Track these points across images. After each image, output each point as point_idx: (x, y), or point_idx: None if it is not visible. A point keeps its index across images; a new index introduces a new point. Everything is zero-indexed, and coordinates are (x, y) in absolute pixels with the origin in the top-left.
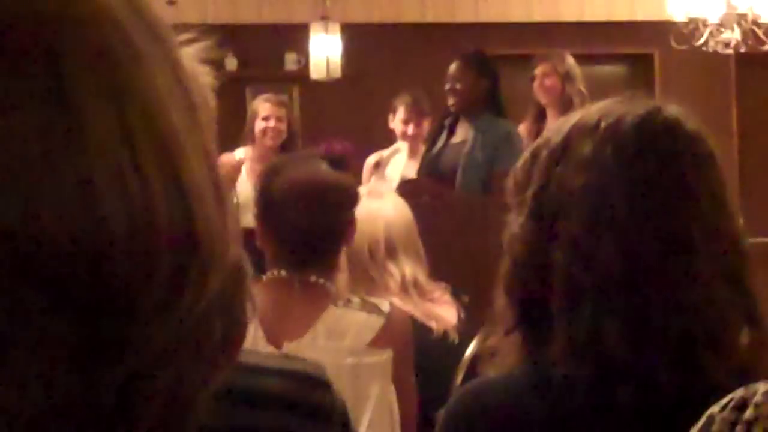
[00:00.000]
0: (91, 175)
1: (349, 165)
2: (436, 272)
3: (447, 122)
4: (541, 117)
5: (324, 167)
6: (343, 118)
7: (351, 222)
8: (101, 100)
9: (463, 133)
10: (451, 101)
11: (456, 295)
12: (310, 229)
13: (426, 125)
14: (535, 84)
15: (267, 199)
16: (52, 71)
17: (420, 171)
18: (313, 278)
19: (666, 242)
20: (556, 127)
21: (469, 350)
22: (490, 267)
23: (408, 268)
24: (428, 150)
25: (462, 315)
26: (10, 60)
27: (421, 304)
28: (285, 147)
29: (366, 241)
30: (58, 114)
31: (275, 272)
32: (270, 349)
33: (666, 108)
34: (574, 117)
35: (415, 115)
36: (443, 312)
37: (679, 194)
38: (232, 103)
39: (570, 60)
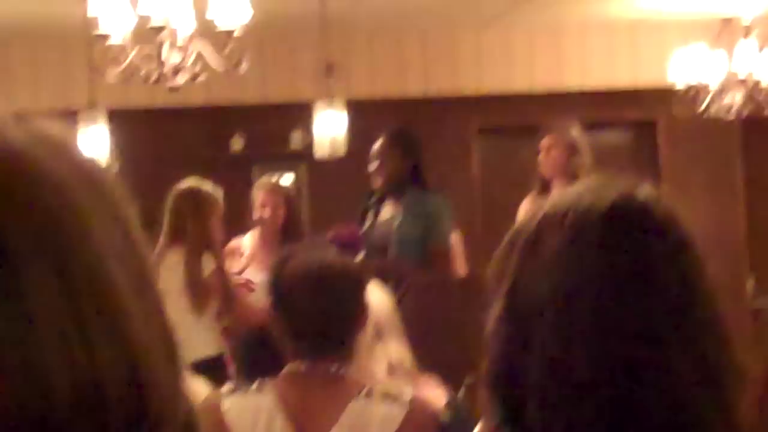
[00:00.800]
0: (40, 351)
1: (358, 249)
2: (438, 352)
3: (372, 201)
4: (545, 189)
5: (332, 254)
6: (350, 195)
7: (364, 306)
8: (48, 277)
9: (389, 210)
10: (377, 181)
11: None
12: (322, 317)
13: None
14: (540, 156)
15: (278, 289)
16: None
17: None
18: (333, 369)
19: (634, 345)
20: (532, 213)
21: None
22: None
23: (394, 351)
24: None
25: (453, 397)
26: None
27: (407, 386)
28: (286, 230)
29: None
30: (4, 295)
31: (295, 365)
32: None
33: (638, 192)
34: (547, 204)
35: None
36: (431, 394)
37: (647, 289)
38: (240, 182)
39: (575, 131)
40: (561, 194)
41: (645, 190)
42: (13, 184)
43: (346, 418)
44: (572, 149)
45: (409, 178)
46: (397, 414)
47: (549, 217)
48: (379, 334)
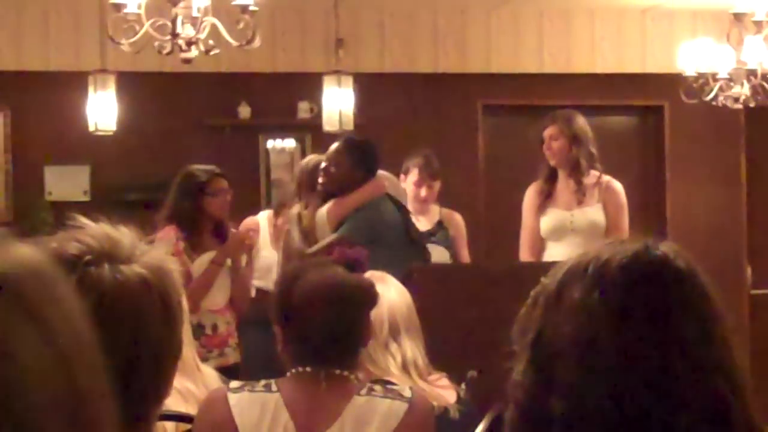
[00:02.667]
0: None
1: (364, 268)
2: (442, 347)
3: (318, 200)
4: (551, 177)
5: (341, 271)
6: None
7: (369, 322)
8: None
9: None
10: (321, 180)
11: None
12: (333, 330)
13: (437, 186)
14: (544, 146)
15: (289, 303)
16: None
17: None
18: (337, 371)
19: (653, 386)
20: (553, 272)
21: (480, 429)
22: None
23: (409, 349)
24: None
25: (462, 395)
26: None
27: (420, 383)
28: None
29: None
30: None
31: (300, 369)
32: None
33: (655, 247)
34: (569, 262)
35: (427, 177)
36: (442, 391)
37: (665, 336)
38: (246, 149)
39: (579, 121)
40: (581, 254)
41: (665, 245)
42: None
43: (349, 413)
44: (575, 140)
45: (352, 189)
46: (398, 409)
47: (570, 271)
48: (394, 332)
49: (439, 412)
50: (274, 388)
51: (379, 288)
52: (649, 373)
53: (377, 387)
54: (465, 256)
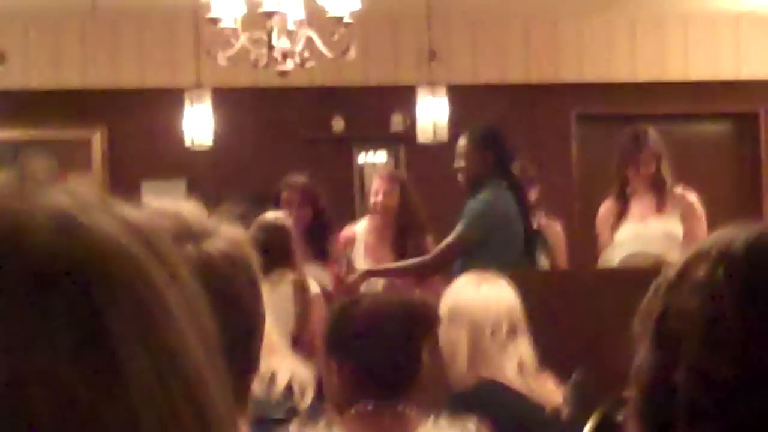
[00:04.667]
0: (135, 419)
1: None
2: (544, 351)
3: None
4: (623, 194)
5: (401, 295)
6: (448, 179)
7: (425, 348)
8: (138, 349)
9: None
10: (459, 178)
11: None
12: (396, 354)
13: (533, 194)
14: (630, 166)
15: (347, 331)
16: (95, 322)
17: None
18: (400, 408)
19: None
20: (673, 264)
21: (587, 430)
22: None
23: (524, 350)
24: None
25: (568, 395)
26: (59, 313)
27: (533, 384)
28: (400, 219)
29: (490, 322)
30: (102, 362)
31: (361, 405)
32: None
33: None
34: (690, 250)
35: (523, 182)
36: (551, 392)
37: None
38: (340, 162)
39: (655, 135)
40: (701, 242)
41: None
42: (111, 267)
43: None
44: (660, 157)
45: (489, 174)
46: None
47: (693, 257)
48: (512, 332)
49: (551, 413)
50: (334, 428)
51: (496, 288)
52: None
53: (441, 419)
54: (563, 265)
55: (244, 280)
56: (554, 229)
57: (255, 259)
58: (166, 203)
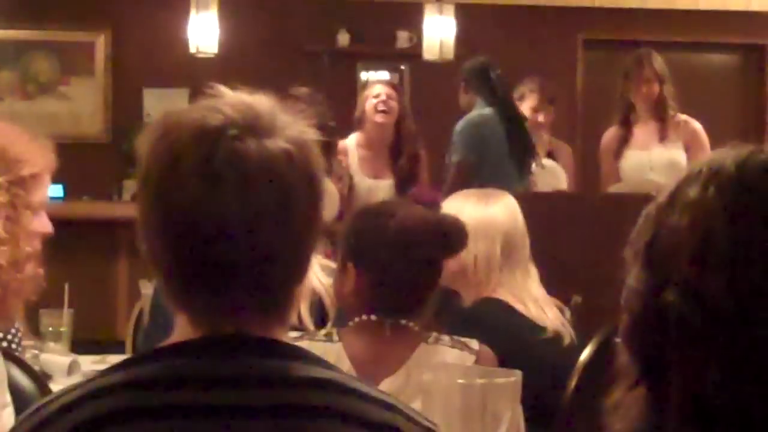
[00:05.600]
0: None
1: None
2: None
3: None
4: (627, 120)
5: (432, 211)
6: (453, 98)
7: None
8: None
9: None
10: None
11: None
12: (421, 277)
13: (551, 113)
14: (633, 87)
15: (377, 241)
16: None
17: None
18: (403, 322)
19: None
20: (663, 188)
21: (584, 355)
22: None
23: (520, 272)
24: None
25: (569, 318)
26: None
27: (531, 305)
28: (398, 128)
29: (484, 247)
30: None
31: (365, 317)
32: None
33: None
34: (680, 174)
35: (545, 101)
36: (552, 314)
37: None
38: (344, 77)
39: (660, 60)
40: (692, 163)
41: None
42: None
43: (415, 360)
44: (663, 80)
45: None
46: (466, 359)
47: (684, 178)
48: (505, 256)
49: (551, 335)
50: (335, 338)
51: (491, 210)
52: (766, 265)
53: (445, 337)
54: (570, 187)
55: (303, 182)
56: (564, 151)
57: (319, 163)
58: (245, 96)
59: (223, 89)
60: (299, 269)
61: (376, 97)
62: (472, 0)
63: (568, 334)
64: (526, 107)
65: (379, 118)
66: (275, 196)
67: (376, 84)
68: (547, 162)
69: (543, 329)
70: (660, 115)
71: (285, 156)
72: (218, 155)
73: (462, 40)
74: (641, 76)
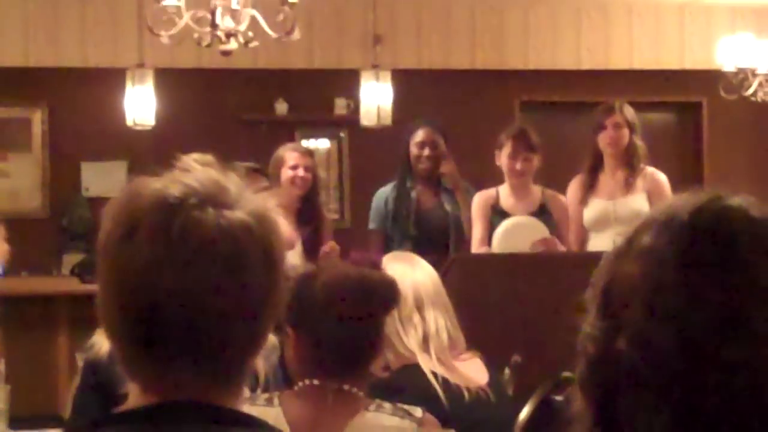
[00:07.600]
0: None
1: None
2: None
3: (408, 186)
4: (594, 168)
5: (362, 269)
6: (390, 163)
7: (384, 332)
8: None
9: (429, 196)
10: (423, 165)
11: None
12: (353, 331)
13: (536, 161)
14: (603, 135)
15: (308, 302)
16: None
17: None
18: (346, 387)
19: (723, 328)
20: (623, 231)
21: (524, 413)
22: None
23: (433, 323)
24: (397, 216)
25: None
26: None
27: (445, 361)
28: (308, 197)
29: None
30: None
31: (308, 382)
32: None
33: (728, 196)
34: (640, 219)
35: (522, 148)
36: (472, 371)
37: (736, 277)
38: (282, 145)
39: (631, 109)
40: (652, 209)
41: (741, 196)
42: None
43: (351, 429)
44: (634, 129)
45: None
46: (407, 427)
47: (640, 225)
48: (418, 305)
49: (473, 395)
50: (276, 402)
51: (404, 266)
52: (717, 314)
53: (386, 405)
54: (569, 241)
55: (259, 254)
56: (558, 202)
57: (279, 238)
58: (213, 172)
59: (192, 163)
60: (253, 339)
61: (294, 168)
62: (408, 66)
63: (489, 390)
64: (503, 156)
65: (295, 190)
66: (229, 265)
67: (294, 152)
68: (523, 219)
69: (462, 390)
70: (629, 161)
71: (243, 226)
72: (175, 223)
73: (400, 105)
74: (613, 121)
